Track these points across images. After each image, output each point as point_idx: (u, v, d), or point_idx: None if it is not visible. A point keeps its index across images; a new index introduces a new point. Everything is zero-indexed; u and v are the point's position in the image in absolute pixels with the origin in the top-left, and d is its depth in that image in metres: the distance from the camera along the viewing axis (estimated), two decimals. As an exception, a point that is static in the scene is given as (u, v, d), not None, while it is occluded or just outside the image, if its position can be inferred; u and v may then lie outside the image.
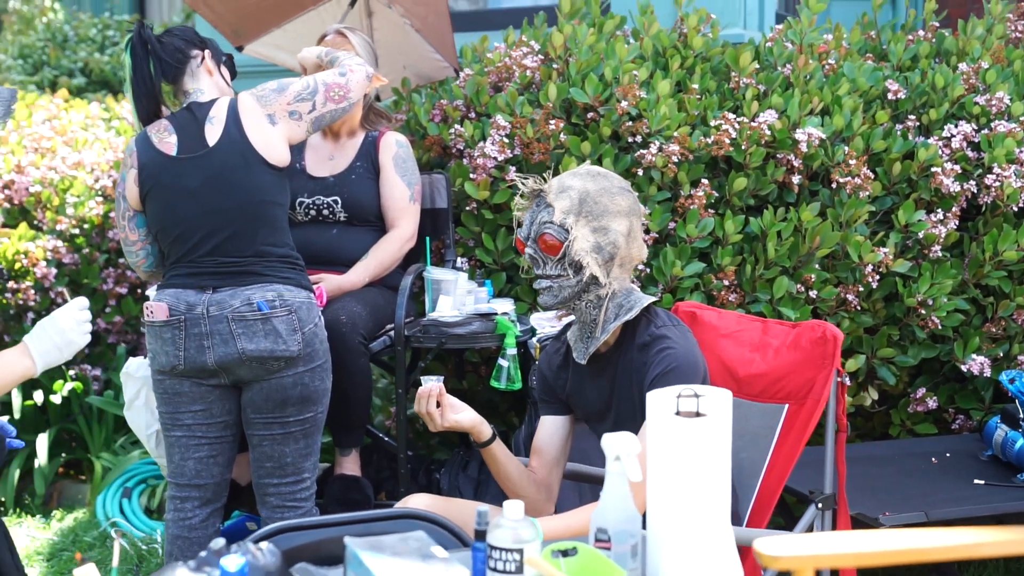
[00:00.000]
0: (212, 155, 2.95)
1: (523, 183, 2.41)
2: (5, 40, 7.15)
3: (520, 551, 1.66)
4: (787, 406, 2.56)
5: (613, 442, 1.73)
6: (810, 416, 2.49)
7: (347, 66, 3.13)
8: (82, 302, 2.33)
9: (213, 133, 2.96)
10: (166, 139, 2.99)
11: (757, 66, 3.77)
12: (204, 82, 3.08)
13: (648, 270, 3.45)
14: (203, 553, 1.65)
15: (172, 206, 2.97)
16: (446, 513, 2.31)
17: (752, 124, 3.48)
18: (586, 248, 2.33)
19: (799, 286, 3.44)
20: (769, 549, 1.52)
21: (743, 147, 3.46)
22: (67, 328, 2.27)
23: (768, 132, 3.48)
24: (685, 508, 1.65)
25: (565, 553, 1.69)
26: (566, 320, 2.71)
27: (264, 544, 1.71)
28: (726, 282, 3.42)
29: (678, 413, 1.67)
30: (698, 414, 1.66)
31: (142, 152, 3.01)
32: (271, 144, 2.97)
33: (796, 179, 3.51)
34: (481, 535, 1.71)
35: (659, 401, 1.69)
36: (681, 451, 1.63)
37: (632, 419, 2.38)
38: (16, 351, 2.20)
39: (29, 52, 6.74)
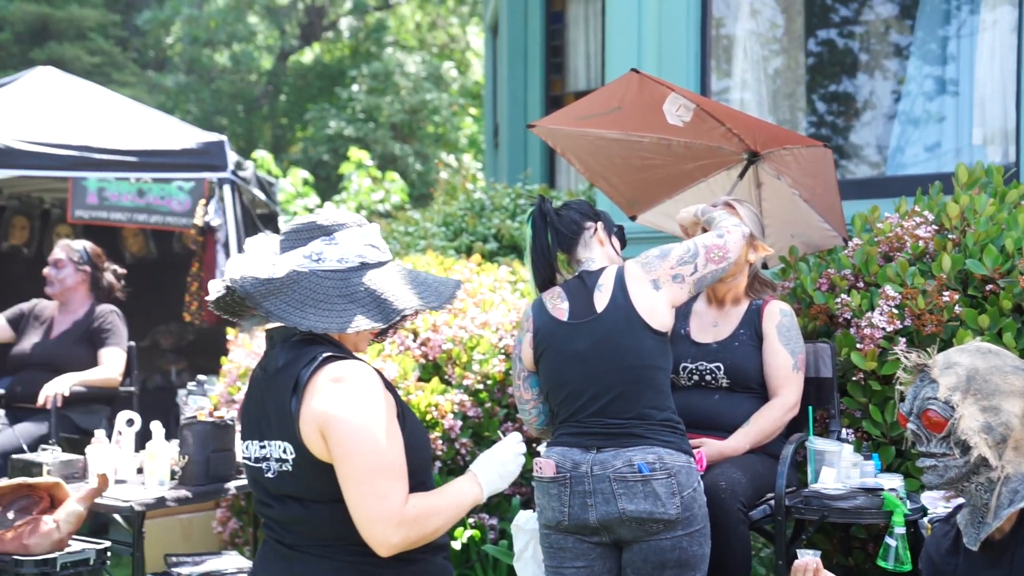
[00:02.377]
0: (600, 321, 3.13)
1: (906, 357, 2.36)
2: (432, 209, 7.95)
3: None
4: None
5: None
6: None
7: (724, 227, 3.25)
8: (518, 436, 2.51)
9: (601, 300, 3.15)
10: (559, 305, 3.21)
11: None
12: (595, 251, 3.29)
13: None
14: None
15: (562, 368, 3.16)
16: None
17: None
18: (974, 428, 2.23)
19: None
20: None
21: None
22: (508, 460, 2.44)
23: None
24: None
25: None
26: (956, 502, 2.58)
27: None
28: None
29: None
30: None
31: (537, 317, 3.25)
32: (655, 309, 3.11)
33: None
34: None
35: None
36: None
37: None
38: (466, 480, 2.39)
39: (451, 220, 7.43)
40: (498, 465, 2.42)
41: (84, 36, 18.46)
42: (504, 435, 4.74)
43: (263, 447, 2.30)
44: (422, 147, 19.91)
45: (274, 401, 2.27)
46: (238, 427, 4.33)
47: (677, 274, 3.15)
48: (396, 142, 19.32)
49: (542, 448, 3.27)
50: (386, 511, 2.17)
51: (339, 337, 2.33)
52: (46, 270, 5.35)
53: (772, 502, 3.34)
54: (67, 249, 5.37)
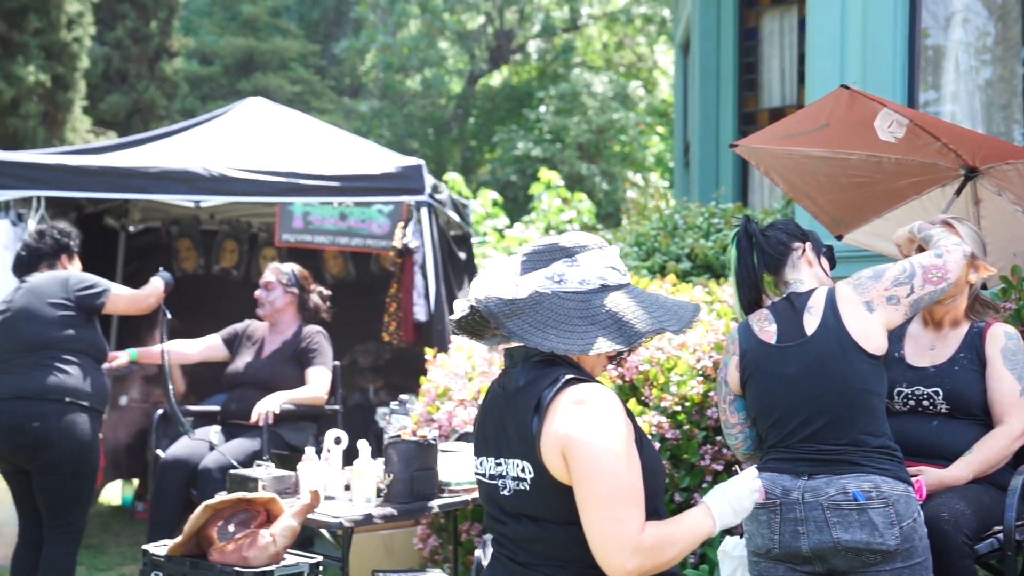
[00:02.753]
0: (810, 344, 3.03)
1: None
2: (623, 229, 7.92)
3: None
4: None
5: None
6: None
7: (943, 247, 3.10)
8: (754, 472, 2.46)
9: (811, 322, 3.06)
10: (766, 328, 3.14)
11: None
12: (804, 273, 3.20)
13: None
14: None
15: (771, 392, 3.09)
16: None
17: None
18: None
19: None
20: None
21: None
22: (743, 495, 2.39)
23: None
24: None
25: None
26: None
27: None
28: None
29: None
30: None
31: (743, 339, 3.18)
32: (868, 333, 3.00)
33: None
34: None
35: None
36: None
37: None
38: (699, 512, 2.36)
39: (643, 240, 7.38)
40: (733, 500, 2.37)
41: (286, 66, 19.32)
42: (706, 459, 4.68)
43: (499, 464, 2.33)
44: (608, 167, 19.93)
45: (514, 420, 2.29)
46: (441, 446, 4.40)
47: (892, 295, 3.03)
48: (583, 162, 19.41)
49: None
50: (624, 536, 2.15)
51: (578, 359, 2.34)
52: (257, 292, 5.58)
53: (1000, 535, 3.16)
54: (276, 272, 5.59)
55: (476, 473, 2.42)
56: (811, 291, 3.14)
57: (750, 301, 3.25)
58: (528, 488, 2.26)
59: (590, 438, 2.17)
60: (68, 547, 4.52)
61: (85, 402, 4.53)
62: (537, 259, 2.37)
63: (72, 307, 4.61)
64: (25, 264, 4.85)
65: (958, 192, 3.85)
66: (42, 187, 6.35)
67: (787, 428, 3.04)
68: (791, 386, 3.04)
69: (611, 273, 2.36)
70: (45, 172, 6.34)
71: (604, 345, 2.24)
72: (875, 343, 3.00)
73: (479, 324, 2.41)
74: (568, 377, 2.26)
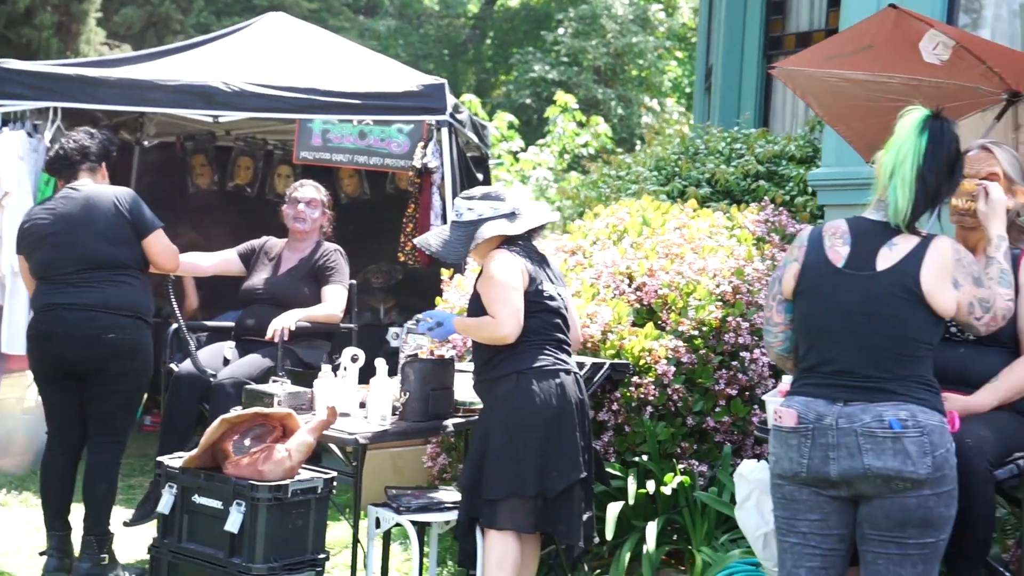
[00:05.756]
0: (876, 280, 2.93)
1: None
2: (644, 153, 7.81)
3: None
4: None
5: None
6: None
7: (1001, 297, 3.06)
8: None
9: (887, 259, 2.94)
10: (838, 247, 3.00)
11: None
12: None
13: None
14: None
15: (822, 316, 2.98)
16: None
17: None
18: None
19: None
20: None
21: None
22: None
23: None
24: None
25: None
26: None
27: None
28: None
29: None
30: None
31: (810, 252, 3.05)
32: (941, 297, 2.90)
33: None
34: None
35: None
36: None
37: None
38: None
39: (663, 164, 7.28)
40: None
41: (302, -18, 18.99)
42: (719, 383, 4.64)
43: None
44: (625, 91, 19.69)
45: None
46: (458, 366, 4.37)
47: (972, 302, 2.94)
48: (599, 86, 19.18)
49: (767, 397, 3.13)
50: None
51: None
52: (300, 207, 5.51)
53: (1020, 462, 3.14)
54: (319, 191, 5.57)
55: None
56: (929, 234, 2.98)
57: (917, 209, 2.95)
58: None
59: None
60: (116, 456, 4.51)
61: (147, 317, 4.50)
62: None
63: (129, 226, 4.45)
64: (67, 162, 4.58)
65: (999, 117, 3.75)
66: (59, 98, 6.27)
67: (828, 355, 2.95)
68: (844, 317, 2.93)
69: None
70: (63, 83, 6.26)
71: None
72: (942, 306, 2.90)
73: None
74: None
